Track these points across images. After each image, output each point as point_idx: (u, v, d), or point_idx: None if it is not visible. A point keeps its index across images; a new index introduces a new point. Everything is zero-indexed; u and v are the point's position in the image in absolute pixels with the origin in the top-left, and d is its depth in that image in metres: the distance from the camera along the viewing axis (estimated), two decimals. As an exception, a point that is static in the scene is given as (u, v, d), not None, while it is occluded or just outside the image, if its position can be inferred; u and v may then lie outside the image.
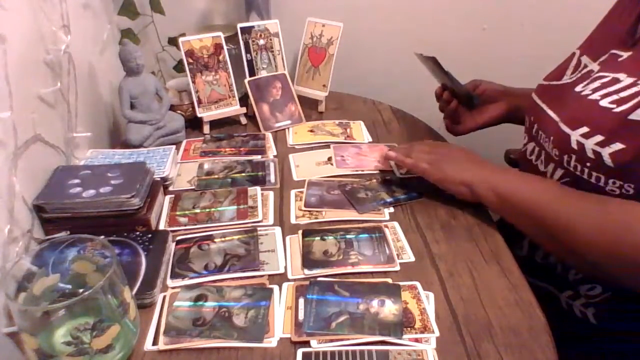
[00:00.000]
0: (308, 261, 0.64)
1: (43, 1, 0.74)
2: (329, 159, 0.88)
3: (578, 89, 0.64)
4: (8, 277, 0.48)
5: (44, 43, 0.73)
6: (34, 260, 0.51)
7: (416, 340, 0.53)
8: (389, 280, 0.61)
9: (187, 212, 0.74)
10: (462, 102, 0.94)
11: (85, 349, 0.46)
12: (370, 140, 0.95)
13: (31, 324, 0.46)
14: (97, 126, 0.93)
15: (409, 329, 0.54)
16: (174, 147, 0.87)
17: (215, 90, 0.98)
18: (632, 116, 0.54)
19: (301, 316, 0.56)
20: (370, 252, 0.65)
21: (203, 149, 0.91)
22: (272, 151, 0.91)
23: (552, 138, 0.64)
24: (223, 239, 0.68)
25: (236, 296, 0.58)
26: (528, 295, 0.59)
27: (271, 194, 0.78)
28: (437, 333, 0.54)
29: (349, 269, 0.62)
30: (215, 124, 0.98)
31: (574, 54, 0.73)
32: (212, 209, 0.74)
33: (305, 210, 0.74)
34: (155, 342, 0.53)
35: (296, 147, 0.93)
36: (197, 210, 0.74)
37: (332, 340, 0.53)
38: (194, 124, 0.99)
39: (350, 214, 0.73)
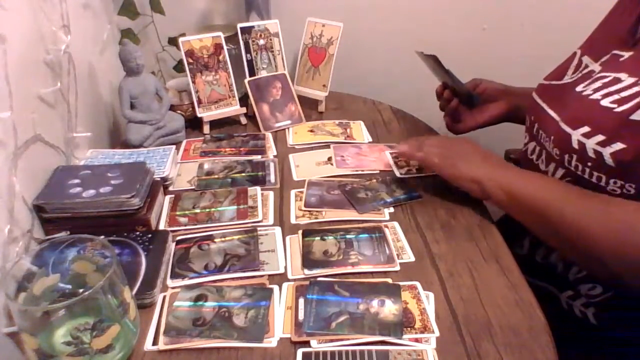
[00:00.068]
0: (308, 261, 0.64)
1: (43, 1, 0.74)
2: (329, 159, 0.88)
3: (579, 88, 0.64)
4: (8, 277, 0.48)
5: (44, 43, 0.73)
6: (34, 260, 0.51)
7: (416, 340, 0.53)
8: (389, 280, 0.61)
9: (187, 212, 0.74)
10: (462, 100, 0.94)
11: (85, 349, 0.46)
12: (370, 140, 0.95)
13: (31, 324, 0.46)
14: (97, 126, 0.93)
15: (409, 329, 0.54)
16: (174, 147, 0.87)
17: (215, 90, 0.98)
18: (634, 116, 0.54)
19: (301, 316, 0.56)
20: (370, 252, 0.65)
21: (203, 149, 0.91)
22: (272, 151, 0.91)
23: (552, 138, 0.64)
24: (223, 239, 0.68)
25: (236, 296, 0.58)
26: (528, 295, 0.59)
27: (271, 194, 0.78)
28: (437, 333, 0.54)
29: (349, 269, 0.62)
30: (215, 124, 0.98)
31: (575, 54, 0.73)
32: (212, 209, 0.74)
33: (305, 210, 0.74)
34: (155, 342, 0.53)
35: (296, 147, 0.93)
36: (197, 210, 0.74)
37: (332, 340, 0.53)
38: (194, 124, 0.99)
39: (350, 214, 0.73)
